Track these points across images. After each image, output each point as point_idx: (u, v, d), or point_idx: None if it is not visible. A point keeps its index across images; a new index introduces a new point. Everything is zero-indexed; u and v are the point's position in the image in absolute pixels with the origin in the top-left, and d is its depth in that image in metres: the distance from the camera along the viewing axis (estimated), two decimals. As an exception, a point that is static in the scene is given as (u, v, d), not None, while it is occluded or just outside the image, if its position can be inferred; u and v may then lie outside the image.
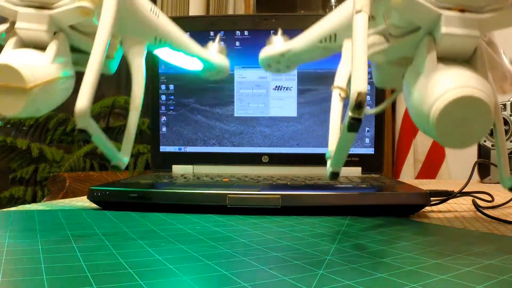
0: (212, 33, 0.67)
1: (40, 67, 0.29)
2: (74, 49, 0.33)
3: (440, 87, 0.23)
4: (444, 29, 0.24)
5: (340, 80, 0.33)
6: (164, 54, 0.39)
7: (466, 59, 0.26)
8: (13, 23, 0.30)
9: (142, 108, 0.35)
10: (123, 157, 0.33)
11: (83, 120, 0.27)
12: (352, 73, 0.25)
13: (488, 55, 0.28)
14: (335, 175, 0.29)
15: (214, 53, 0.42)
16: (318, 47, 0.37)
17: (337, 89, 0.33)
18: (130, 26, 0.35)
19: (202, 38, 0.67)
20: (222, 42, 0.43)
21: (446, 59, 0.25)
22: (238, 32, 0.67)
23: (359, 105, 0.24)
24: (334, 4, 1.91)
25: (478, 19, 0.24)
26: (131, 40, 0.36)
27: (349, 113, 0.24)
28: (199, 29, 0.68)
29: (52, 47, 0.30)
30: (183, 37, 0.39)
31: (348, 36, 0.35)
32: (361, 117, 0.24)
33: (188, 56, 0.40)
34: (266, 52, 0.40)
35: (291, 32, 0.66)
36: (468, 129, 0.23)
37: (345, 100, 0.33)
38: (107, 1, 0.30)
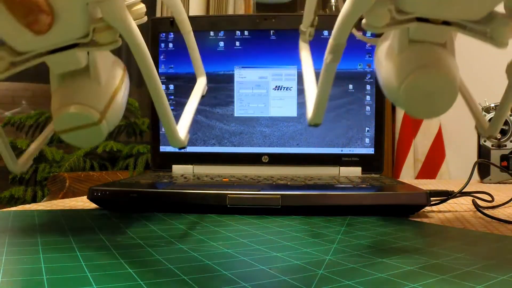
0: (212, 33, 0.67)
1: (96, 95, 0.28)
2: None
3: (411, 63, 0.25)
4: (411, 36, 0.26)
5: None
6: None
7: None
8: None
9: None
10: (201, 79, 0.37)
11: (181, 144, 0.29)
12: (315, 107, 0.29)
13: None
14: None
15: None
16: None
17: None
18: None
19: (202, 38, 0.67)
20: None
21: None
22: (238, 32, 0.67)
23: (314, 126, 0.29)
24: (334, 4, 1.91)
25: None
26: None
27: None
28: (199, 29, 0.67)
29: (94, 68, 0.28)
30: None
31: None
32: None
33: None
34: None
35: (291, 32, 0.67)
36: (434, 102, 0.26)
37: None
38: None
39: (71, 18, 0.24)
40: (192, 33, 0.42)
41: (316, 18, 0.39)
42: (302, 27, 0.40)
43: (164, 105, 0.27)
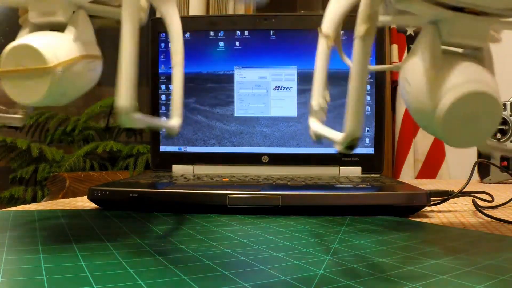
0: (212, 33, 0.67)
1: (62, 46, 0.25)
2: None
3: (448, 81, 0.21)
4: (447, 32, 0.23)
5: (327, 25, 0.30)
6: None
7: (471, 53, 0.24)
8: (24, 11, 0.28)
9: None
10: (174, 120, 0.30)
11: (128, 120, 0.23)
12: (349, 113, 0.22)
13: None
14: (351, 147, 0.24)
15: None
16: None
17: (324, 37, 0.30)
18: None
19: (202, 38, 0.67)
20: None
21: (451, 52, 0.24)
22: (238, 32, 0.67)
23: (351, 147, 0.23)
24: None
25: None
26: None
27: (337, 148, 0.23)
28: (199, 29, 0.67)
29: (72, 26, 0.27)
30: None
31: None
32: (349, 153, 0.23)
33: None
34: None
35: (291, 32, 0.67)
36: (476, 127, 0.22)
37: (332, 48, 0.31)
38: None
39: None
40: (182, 66, 0.34)
41: (328, 93, 0.33)
42: (314, 104, 0.32)
43: (131, 55, 0.22)
